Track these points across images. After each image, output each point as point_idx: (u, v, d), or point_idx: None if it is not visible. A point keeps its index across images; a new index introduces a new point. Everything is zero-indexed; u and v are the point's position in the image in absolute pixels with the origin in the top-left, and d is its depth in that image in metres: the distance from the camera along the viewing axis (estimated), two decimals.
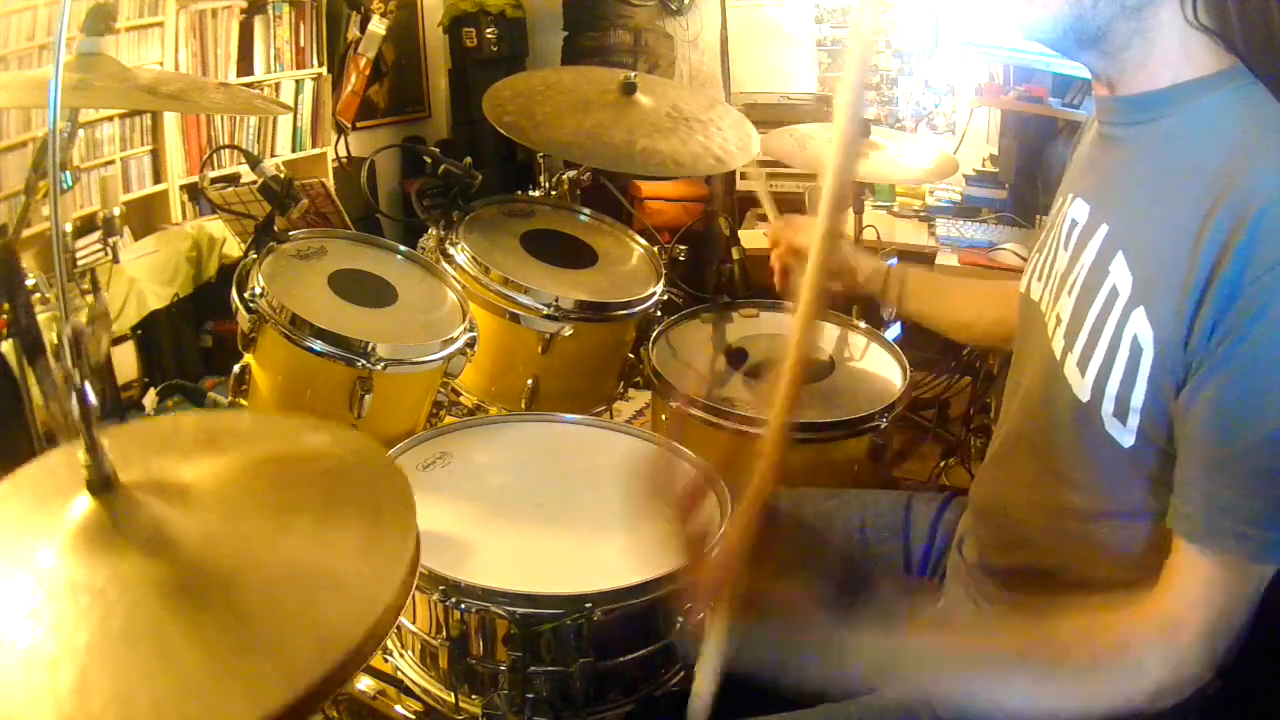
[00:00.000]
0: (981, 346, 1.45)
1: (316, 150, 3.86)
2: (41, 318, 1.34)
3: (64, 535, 0.74)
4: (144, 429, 0.95)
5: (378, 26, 3.82)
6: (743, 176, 3.47)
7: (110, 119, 3.08)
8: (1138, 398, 0.81)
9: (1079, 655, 0.80)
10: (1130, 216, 0.85)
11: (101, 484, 0.76)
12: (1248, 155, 0.76)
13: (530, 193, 1.98)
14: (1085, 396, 0.85)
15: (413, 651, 1.16)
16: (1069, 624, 0.82)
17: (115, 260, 2.43)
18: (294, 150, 3.79)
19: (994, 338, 1.32)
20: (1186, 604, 0.78)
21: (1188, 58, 0.82)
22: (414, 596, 1.08)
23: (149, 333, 3.08)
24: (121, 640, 0.66)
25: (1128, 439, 0.83)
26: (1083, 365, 0.86)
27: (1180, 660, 0.78)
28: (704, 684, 0.87)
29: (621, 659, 1.09)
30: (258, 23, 3.55)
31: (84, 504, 0.76)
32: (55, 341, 0.73)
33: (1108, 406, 0.83)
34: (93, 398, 0.74)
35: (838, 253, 1.38)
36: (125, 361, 3.00)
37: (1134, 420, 0.82)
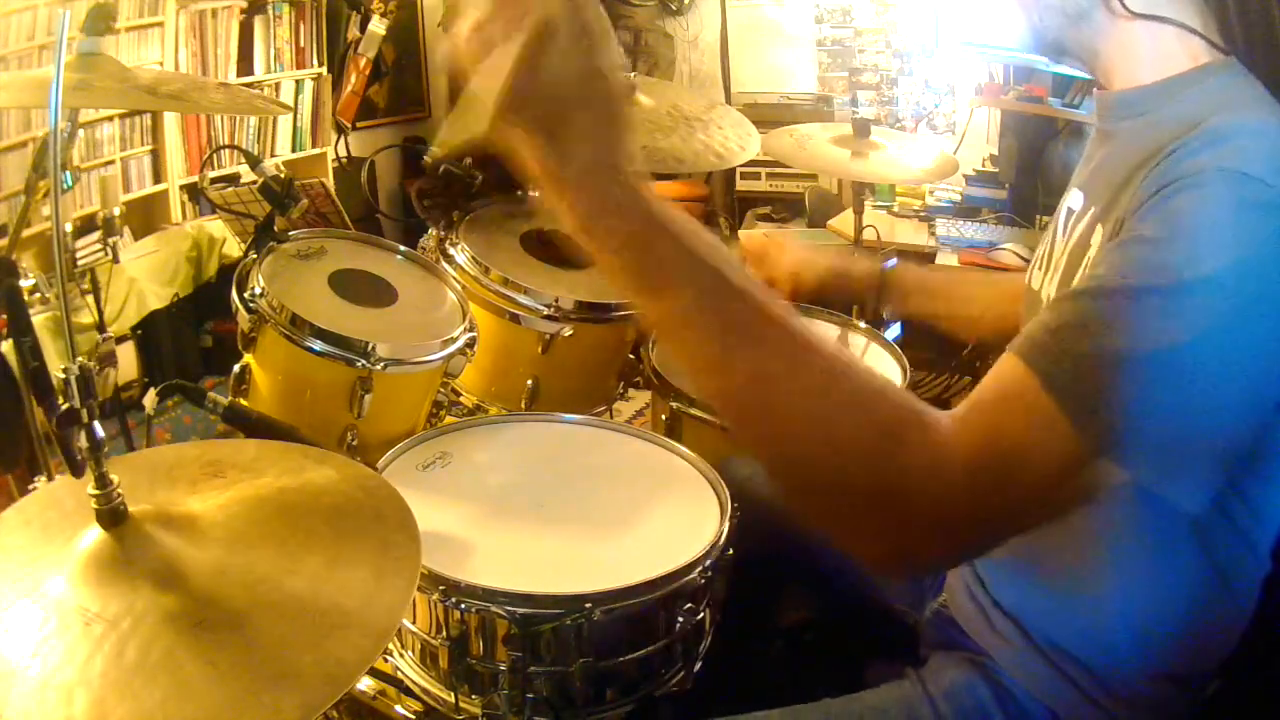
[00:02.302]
0: (987, 341, 1.46)
1: (316, 150, 3.86)
2: (41, 318, 1.34)
3: (74, 566, 0.76)
4: (149, 459, 0.96)
5: (378, 26, 3.82)
6: None
7: (110, 119, 3.08)
8: None
9: (853, 392, 0.69)
10: (1109, 194, 0.87)
11: (111, 517, 0.76)
12: (1204, 119, 0.76)
13: (530, 193, 1.97)
14: None
15: (413, 651, 1.16)
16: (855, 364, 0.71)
17: (115, 260, 2.42)
18: (294, 150, 3.79)
19: (1002, 334, 1.32)
20: (974, 411, 0.70)
21: (1163, 55, 0.83)
22: (414, 597, 1.08)
23: (149, 333, 3.09)
24: (137, 671, 0.67)
25: None
26: None
27: (941, 462, 0.67)
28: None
29: (621, 659, 1.09)
30: (258, 23, 3.56)
31: (93, 535, 0.77)
32: (63, 381, 0.74)
33: None
34: (101, 433, 0.75)
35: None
36: (125, 361, 3.00)
37: None
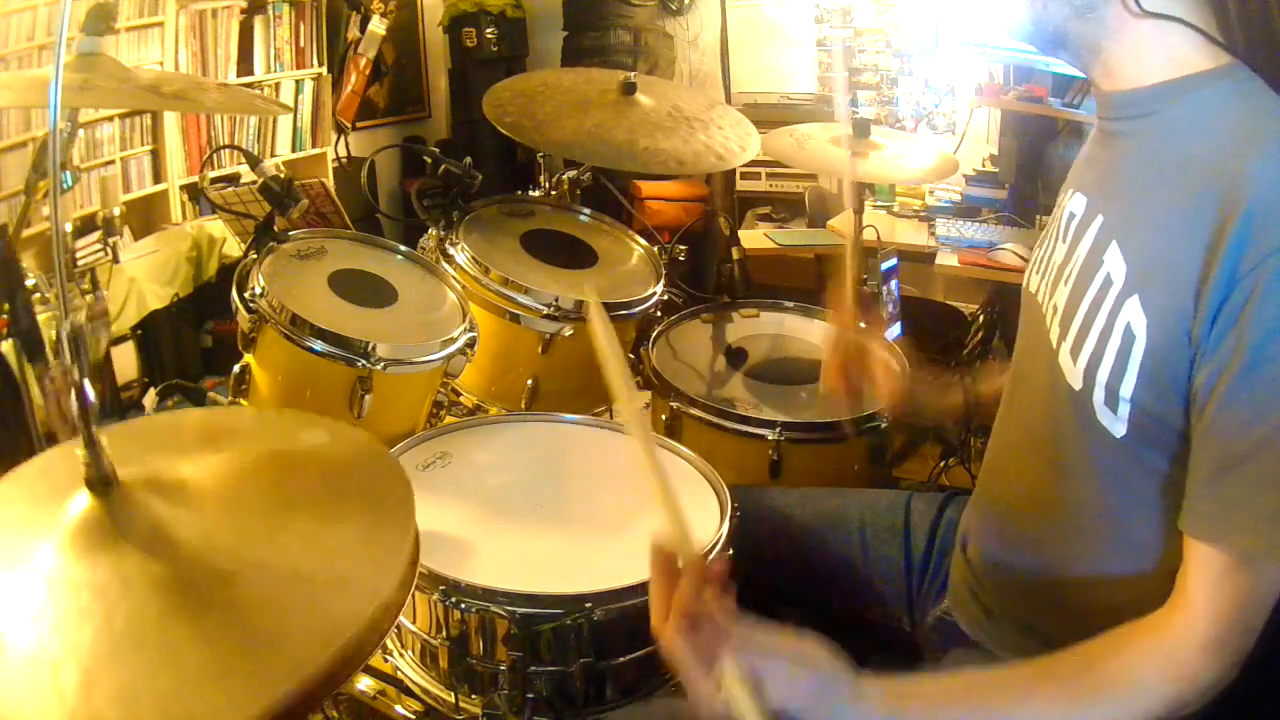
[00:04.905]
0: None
1: (316, 150, 3.85)
2: (41, 318, 1.34)
3: (63, 533, 0.74)
4: (142, 426, 0.95)
5: (378, 26, 3.82)
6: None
7: (110, 119, 3.08)
8: (1127, 387, 0.81)
9: (1092, 680, 0.78)
10: (1124, 207, 0.86)
11: (100, 482, 0.75)
12: (1241, 147, 0.76)
13: (530, 193, 1.98)
14: (1077, 385, 0.86)
15: (413, 651, 1.16)
16: (1078, 652, 0.80)
17: (115, 260, 2.43)
18: (294, 150, 3.78)
19: None
20: (1195, 607, 0.77)
21: (1171, 57, 0.82)
22: (414, 596, 1.08)
23: (149, 333, 3.08)
24: (126, 638, 0.66)
25: (1119, 429, 0.83)
26: (1075, 353, 0.86)
27: (1191, 667, 0.77)
28: None
29: (621, 659, 1.09)
30: (258, 23, 3.55)
31: (83, 502, 0.76)
32: (54, 339, 0.73)
33: (1098, 395, 0.84)
34: (92, 395, 0.74)
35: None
36: (125, 361, 3.00)
37: (1124, 410, 0.82)
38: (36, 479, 0.85)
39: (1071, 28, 0.85)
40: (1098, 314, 0.84)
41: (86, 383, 0.74)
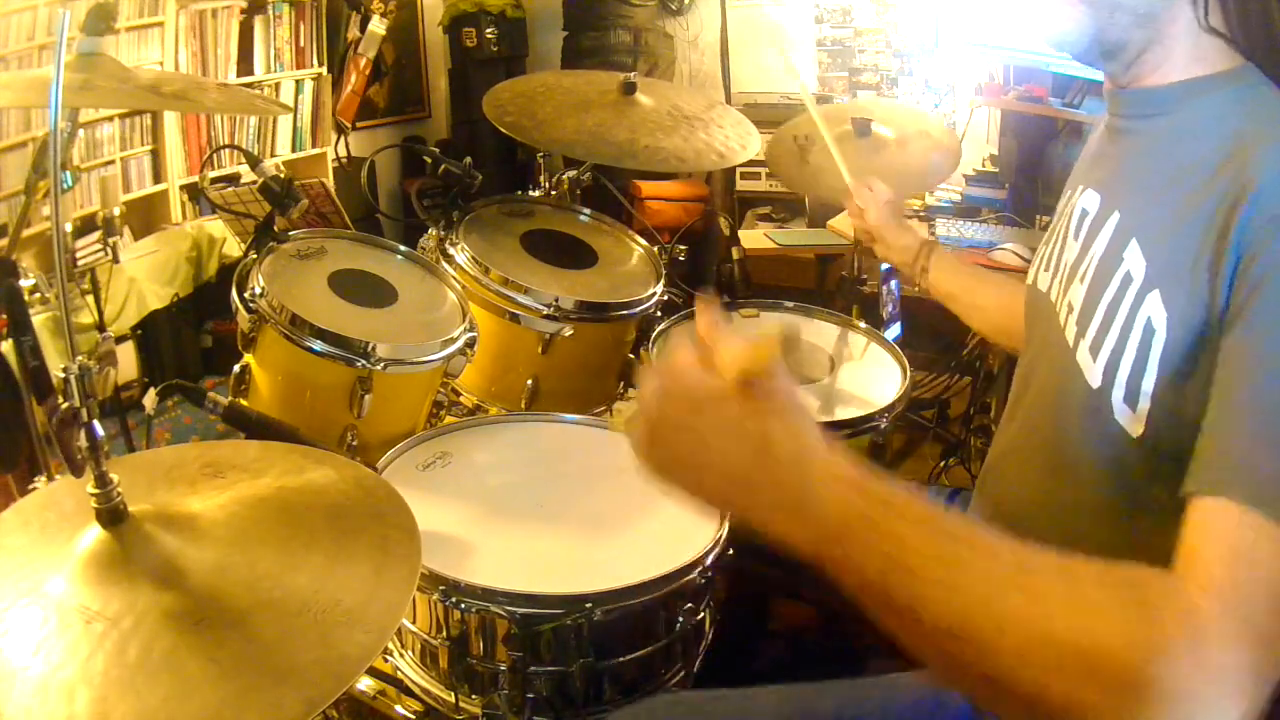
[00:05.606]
0: (989, 338, 1.49)
1: (316, 150, 3.86)
2: (41, 318, 1.34)
3: (74, 565, 0.76)
4: (148, 460, 0.96)
5: (378, 26, 3.82)
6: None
7: (110, 119, 3.08)
8: (1148, 382, 0.80)
9: (1085, 581, 0.66)
10: (1142, 204, 0.86)
11: (111, 516, 0.76)
12: (1251, 141, 0.77)
13: (530, 193, 1.98)
14: (1096, 382, 0.85)
15: (413, 651, 1.16)
16: (1081, 561, 0.67)
17: (115, 260, 2.43)
18: (294, 150, 3.79)
19: (1000, 334, 1.34)
20: (1206, 570, 0.65)
21: (1199, 59, 0.84)
22: (414, 596, 1.08)
23: (149, 333, 3.09)
24: (139, 669, 0.67)
25: (1137, 427, 0.82)
26: (1094, 350, 0.86)
27: (1198, 627, 0.62)
28: None
29: (621, 659, 1.09)
30: (258, 23, 3.56)
31: (93, 535, 0.77)
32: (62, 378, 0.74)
33: (1118, 392, 0.83)
34: (101, 432, 0.75)
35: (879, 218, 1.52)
36: (125, 361, 3.01)
37: (1144, 405, 0.81)
38: (45, 511, 0.86)
39: (1133, 36, 0.85)
40: (1118, 310, 0.84)
41: (96, 422, 0.75)
